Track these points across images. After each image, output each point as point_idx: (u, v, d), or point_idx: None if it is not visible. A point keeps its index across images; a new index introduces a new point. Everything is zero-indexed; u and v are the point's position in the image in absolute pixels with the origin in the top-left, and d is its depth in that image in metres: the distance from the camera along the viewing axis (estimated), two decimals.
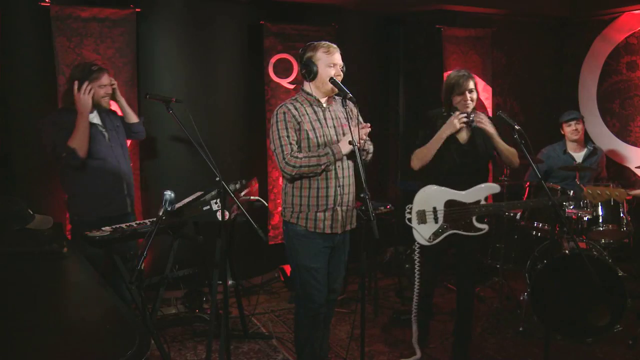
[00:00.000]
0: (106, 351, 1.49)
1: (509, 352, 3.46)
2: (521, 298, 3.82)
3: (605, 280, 3.40)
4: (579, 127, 4.34)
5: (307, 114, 2.73)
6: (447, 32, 5.15)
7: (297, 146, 2.71)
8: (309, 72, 2.71)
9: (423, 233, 3.10)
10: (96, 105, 3.30)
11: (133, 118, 3.58)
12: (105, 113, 3.42)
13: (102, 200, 3.29)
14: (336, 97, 2.84)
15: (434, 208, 3.08)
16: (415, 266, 3.20)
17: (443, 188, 3.09)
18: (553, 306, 3.50)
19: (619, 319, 3.42)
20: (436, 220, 3.08)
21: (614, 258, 3.75)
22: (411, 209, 3.10)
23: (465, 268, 3.26)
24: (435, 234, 3.09)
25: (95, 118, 3.34)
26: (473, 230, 3.09)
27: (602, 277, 3.40)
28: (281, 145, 2.69)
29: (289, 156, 2.66)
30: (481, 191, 3.08)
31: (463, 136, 3.13)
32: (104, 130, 3.35)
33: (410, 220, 3.10)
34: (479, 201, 3.07)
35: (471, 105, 3.09)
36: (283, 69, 4.67)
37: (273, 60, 4.62)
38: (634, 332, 3.49)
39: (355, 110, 2.80)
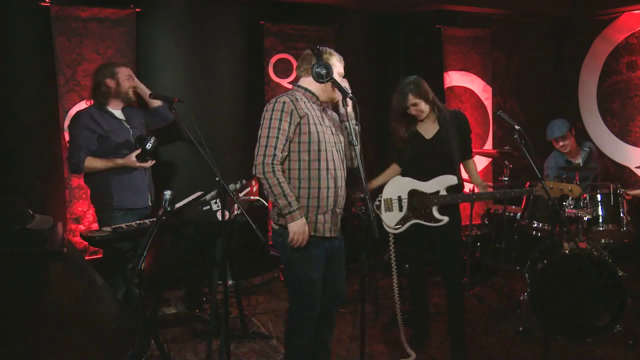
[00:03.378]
0: (106, 351, 1.49)
1: (509, 352, 3.46)
2: (521, 298, 3.82)
3: (605, 280, 3.41)
4: (566, 142, 4.26)
5: (312, 110, 2.64)
6: (447, 32, 5.16)
7: (287, 145, 2.57)
8: (328, 73, 2.58)
9: (389, 220, 3.26)
10: (124, 98, 3.45)
11: (155, 102, 3.67)
12: (129, 111, 3.53)
13: (128, 192, 3.38)
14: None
15: (399, 197, 3.25)
16: (392, 258, 3.35)
17: (409, 178, 3.25)
18: (553, 306, 3.50)
19: (619, 319, 3.42)
20: (401, 208, 3.25)
21: (614, 258, 3.75)
22: (381, 197, 3.29)
23: (448, 262, 3.30)
24: (401, 222, 3.25)
25: (120, 114, 3.45)
26: (433, 220, 3.19)
27: (602, 277, 3.40)
28: (268, 137, 2.53)
29: (271, 162, 2.51)
30: (440, 182, 3.19)
31: (429, 132, 3.25)
32: (128, 126, 3.45)
33: (378, 207, 3.27)
34: (438, 192, 3.19)
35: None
36: (283, 69, 4.67)
37: (273, 60, 4.63)
38: (634, 332, 3.49)
39: (349, 109, 2.71)
